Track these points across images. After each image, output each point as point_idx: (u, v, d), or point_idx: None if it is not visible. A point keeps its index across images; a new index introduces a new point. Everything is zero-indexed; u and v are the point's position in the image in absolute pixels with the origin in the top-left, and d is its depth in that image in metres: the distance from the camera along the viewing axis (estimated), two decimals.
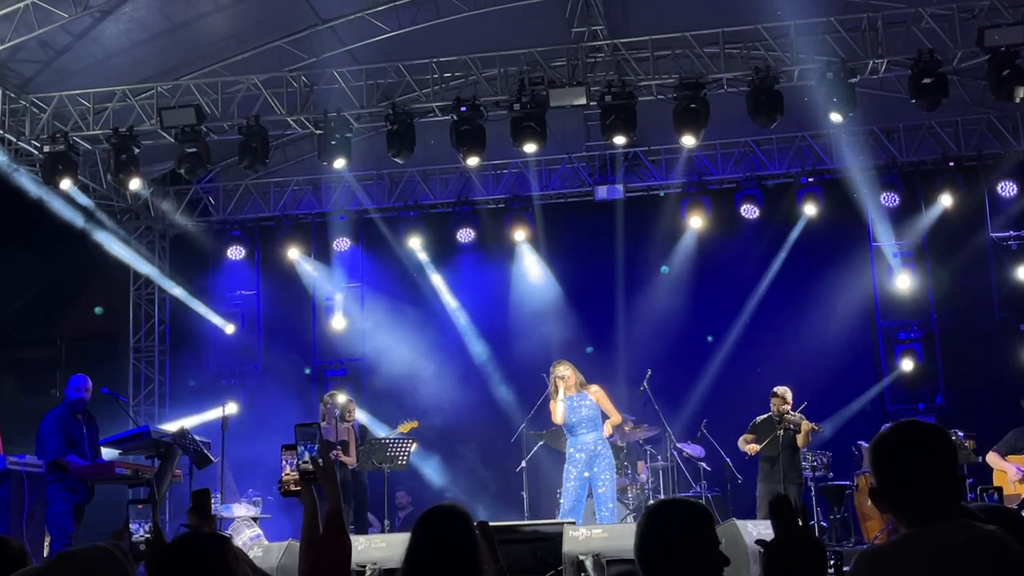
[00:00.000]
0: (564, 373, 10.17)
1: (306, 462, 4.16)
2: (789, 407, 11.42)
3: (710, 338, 14.96)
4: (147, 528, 4.16)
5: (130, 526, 4.22)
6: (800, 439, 11.34)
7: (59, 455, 9.13)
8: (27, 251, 15.43)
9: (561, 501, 10.19)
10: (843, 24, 12.21)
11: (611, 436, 10.93)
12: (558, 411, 10.17)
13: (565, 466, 10.21)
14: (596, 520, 9.95)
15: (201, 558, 3.09)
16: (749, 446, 11.42)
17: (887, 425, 3.21)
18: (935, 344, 14.66)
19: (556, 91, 12.25)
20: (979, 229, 14.43)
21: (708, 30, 12.48)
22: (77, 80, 13.22)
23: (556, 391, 10.18)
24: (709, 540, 3.14)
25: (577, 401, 10.13)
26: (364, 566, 8.21)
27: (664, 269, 15.19)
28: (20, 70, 12.98)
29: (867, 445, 12.90)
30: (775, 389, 11.51)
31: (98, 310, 15.81)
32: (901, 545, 2.83)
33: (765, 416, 11.55)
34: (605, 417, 10.30)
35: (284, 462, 4.27)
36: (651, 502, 4.98)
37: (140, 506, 4.30)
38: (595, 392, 10.22)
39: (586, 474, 10.07)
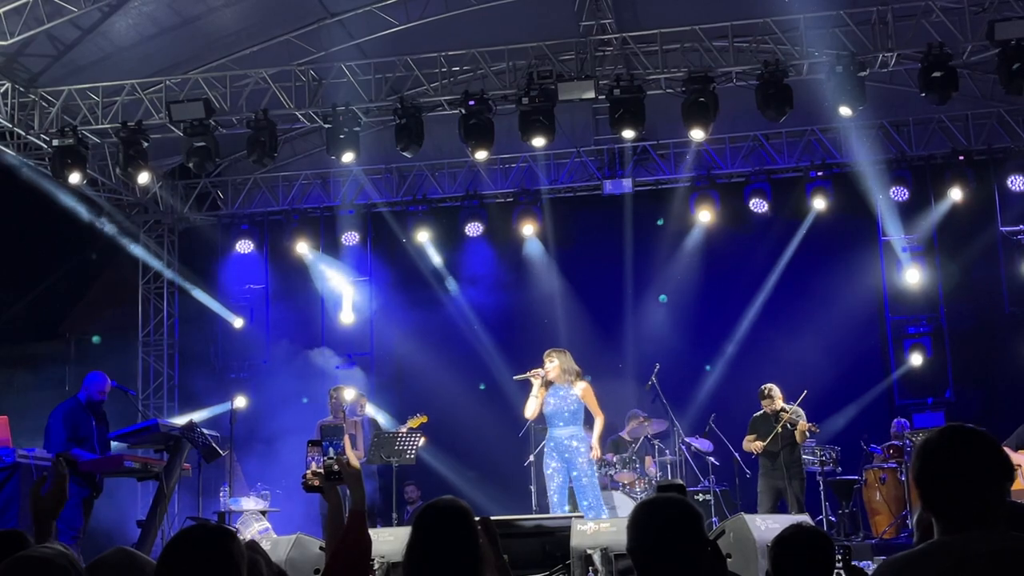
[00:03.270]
0: (548, 366, 9.92)
1: (331, 458, 4.18)
2: (781, 401, 11.40)
3: (663, 298, 15.02)
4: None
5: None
6: (797, 436, 11.33)
7: (60, 449, 9.11)
8: (36, 245, 15.48)
9: (550, 494, 10.10)
10: (852, 17, 12.17)
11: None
12: (529, 407, 10.05)
13: (544, 460, 10.15)
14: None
15: (206, 551, 3.07)
16: (754, 444, 11.42)
17: (938, 427, 3.13)
18: (944, 339, 14.60)
19: (565, 85, 12.22)
20: (989, 223, 14.39)
21: (717, 23, 12.45)
22: (86, 74, 13.24)
23: (540, 384, 9.95)
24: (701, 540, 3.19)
25: (561, 393, 9.94)
26: (372, 560, 8.20)
27: (662, 298, 15.16)
28: (29, 64, 13.00)
29: (877, 447, 12.94)
30: (762, 388, 11.47)
31: (96, 339, 15.92)
32: (925, 554, 2.75)
33: (762, 412, 11.54)
34: (589, 415, 10.06)
35: (310, 458, 4.32)
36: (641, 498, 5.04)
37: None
38: (583, 389, 9.96)
39: (555, 465, 9.96)
